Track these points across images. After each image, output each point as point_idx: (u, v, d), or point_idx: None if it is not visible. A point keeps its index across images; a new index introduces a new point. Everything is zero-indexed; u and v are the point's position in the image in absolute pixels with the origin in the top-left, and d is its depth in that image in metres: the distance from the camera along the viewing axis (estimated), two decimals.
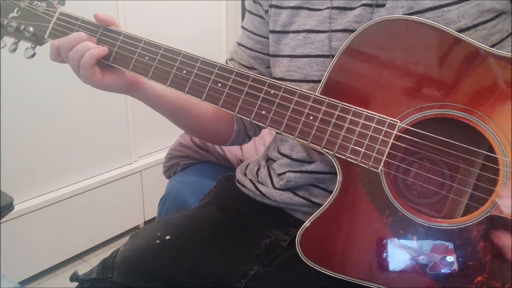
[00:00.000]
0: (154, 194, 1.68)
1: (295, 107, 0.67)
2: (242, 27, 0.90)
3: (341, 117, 0.65)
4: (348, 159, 0.64)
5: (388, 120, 0.63)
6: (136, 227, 2.06)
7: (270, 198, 0.85)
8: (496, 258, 0.59)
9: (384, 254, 0.63)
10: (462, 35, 0.61)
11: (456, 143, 0.61)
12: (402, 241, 0.62)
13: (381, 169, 0.63)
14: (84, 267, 1.82)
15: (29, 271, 1.71)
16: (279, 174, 0.85)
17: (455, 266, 0.60)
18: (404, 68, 0.64)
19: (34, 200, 1.67)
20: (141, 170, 1.99)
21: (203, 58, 0.72)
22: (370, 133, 0.63)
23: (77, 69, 0.75)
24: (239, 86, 0.70)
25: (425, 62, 0.63)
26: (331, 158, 0.66)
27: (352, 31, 0.66)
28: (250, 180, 0.90)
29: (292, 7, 0.79)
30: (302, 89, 0.67)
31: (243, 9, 1.35)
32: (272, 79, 0.68)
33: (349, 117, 0.64)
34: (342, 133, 0.64)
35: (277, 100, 0.68)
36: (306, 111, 0.66)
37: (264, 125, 0.68)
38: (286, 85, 0.68)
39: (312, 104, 0.66)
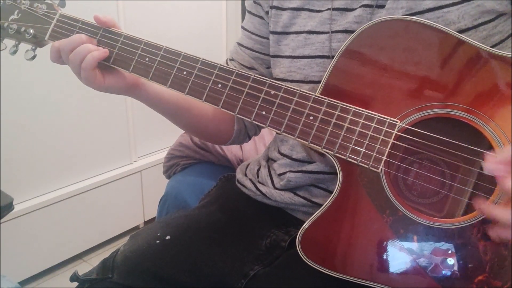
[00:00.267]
0: (154, 194, 1.68)
1: (295, 107, 0.67)
2: (242, 27, 0.90)
3: (341, 117, 0.65)
4: (348, 159, 0.64)
5: (388, 120, 0.63)
6: (136, 227, 2.06)
7: (271, 198, 0.86)
8: (497, 257, 0.59)
9: (385, 254, 0.63)
10: (462, 36, 0.61)
11: (457, 142, 0.61)
12: (403, 241, 0.62)
13: (381, 169, 0.63)
14: (84, 267, 1.82)
15: (29, 271, 1.71)
16: (280, 174, 0.85)
17: (456, 266, 0.60)
18: (404, 68, 0.64)
19: (34, 200, 1.67)
20: (141, 170, 1.99)
21: (203, 59, 0.72)
22: (370, 133, 0.63)
23: (78, 71, 0.75)
24: (239, 86, 0.70)
25: (425, 62, 0.63)
26: (331, 158, 0.66)
27: (352, 32, 0.66)
28: (251, 180, 0.91)
29: (292, 8, 0.79)
30: (302, 90, 0.67)
31: (243, 9, 1.35)
32: (272, 80, 0.69)
33: (349, 117, 0.64)
34: (342, 133, 0.64)
35: (277, 101, 0.68)
36: (306, 111, 0.66)
37: (264, 126, 0.69)
38: (286, 86, 0.68)
39: (312, 104, 0.66)
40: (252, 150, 1.30)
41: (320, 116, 0.66)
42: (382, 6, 0.71)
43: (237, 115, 0.70)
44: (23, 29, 0.80)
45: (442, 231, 0.61)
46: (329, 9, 0.76)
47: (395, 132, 0.62)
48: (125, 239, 1.09)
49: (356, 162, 0.64)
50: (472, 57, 0.61)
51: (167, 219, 0.89)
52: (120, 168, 1.93)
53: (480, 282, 0.59)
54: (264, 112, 0.68)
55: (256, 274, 0.77)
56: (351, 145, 0.64)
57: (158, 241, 0.81)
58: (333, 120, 0.65)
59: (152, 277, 0.77)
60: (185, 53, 0.73)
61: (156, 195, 1.33)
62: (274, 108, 0.68)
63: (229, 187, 0.97)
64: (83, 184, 1.80)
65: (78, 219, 1.81)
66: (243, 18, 0.91)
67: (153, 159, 2.04)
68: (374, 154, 0.63)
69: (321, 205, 0.66)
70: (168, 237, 0.81)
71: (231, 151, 1.29)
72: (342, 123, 0.65)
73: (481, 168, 0.61)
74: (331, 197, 0.65)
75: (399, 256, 0.63)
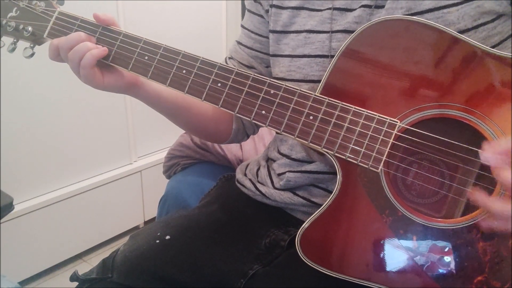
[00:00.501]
0: (154, 194, 1.68)
1: (295, 107, 0.67)
2: (242, 26, 0.90)
3: (341, 117, 0.65)
4: (348, 158, 0.64)
5: (388, 120, 0.63)
6: (136, 227, 2.06)
7: (270, 198, 0.85)
8: (496, 257, 0.59)
9: (384, 254, 0.63)
10: (462, 36, 0.61)
11: (456, 143, 0.61)
12: (402, 241, 0.62)
13: (381, 169, 0.63)
14: (84, 267, 1.82)
15: (29, 271, 1.71)
16: (279, 174, 0.85)
17: (454, 266, 0.60)
18: (403, 68, 0.64)
19: (34, 200, 1.67)
20: (141, 170, 1.99)
21: (202, 58, 0.72)
22: (370, 133, 0.63)
23: (77, 70, 0.75)
24: (239, 86, 0.70)
25: (425, 62, 0.63)
26: (331, 158, 0.66)
27: (352, 31, 0.66)
28: (250, 180, 0.90)
29: (292, 7, 0.79)
30: (302, 89, 0.67)
31: (243, 8, 1.35)
32: (272, 79, 0.68)
33: (349, 117, 0.64)
34: (342, 133, 0.64)
35: (277, 100, 0.68)
36: (306, 111, 0.66)
37: (264, 125, 0.68)
38: (286, 85, 0.68)
39: (312, 104, 0.66)
40: (251, 150, 1.30)
41: (320, 115, 0.66)
42: (382, 7, 0.71)
43: (237, 114, 0.70)
44: (21, 26, 0.80)
45: (441, 231, 0.61)
46: (329, 8, 0.76)
47: (395, 132, 0.62)
48: (125, 239, 1.09)
49: (355, 162, 0.64)
50: (472, 58, 0.61)
51: (167, 219, 0.89)
52: (120, 168, 1.93)
53: (479, 283, 0.59)
54: (264, 112, 0.68)
55: (256, 273, 0.77)
56: (351, 145, 0.64)
57: (158, 241, 0.81)
58: (333, 120, 0.65)
59: (152, 277, 0.77)
60: (184, 51, 0.73)
61: (156, 195, 1.33)
62: (274, 108, 0.68)
63: (229, 187, 0.97)
64: (83, 184, 1.80)
65: (78, 219, 1.80)
66: (243, 17, 0.91)
67: (153, 159, 2.03)
68: (374, 154, 0.63)
69: (321, 205, 0.66)
70: (168, 237, 0.81)
71: (231, 151, 1.29)
72: (342, 123, 0.65)
73: (481, 169, 0.61)
74: (330, 197, 0.65)
75: (399, 256, 0.63)
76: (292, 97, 0.67)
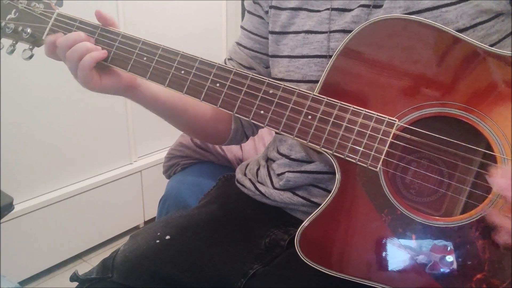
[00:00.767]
0: (154, 194, 1.68)
1: (294, 106, 0.67)
2: (242, 27, 0.90)
3: (339, 116, 0.65)
4: (346, 158, 0.64)
5: (387, 119, 0.63)
6: (136, 227, 2.06)
7: (270, 198, 0.86)
8: (496, 255, 0.59)
9: (383, 253, 0.63)
10: (461, 34, 0.61)
11: (455, 141, 0.61)
12: (401, 240, 0.62)
13: (379, 167, 0.63)
14: (84, 267, 1.82)
15: (29, 271, 1.72)
16: (279, 174, 0.85)
17: (454, 265, 0.60)
18: (402, 67, 0.64)
19: (34, 200, 1.67)
20: (141, 170, 1.99)
21: (201, 58, 0.72)
22: (368, 132, 0.63)
23: (74, 70, 0.75)
24: (237, 86, 0.70)
25: (423, 61, 0.63)
26: (330, 157, 0.66)
27: (350, 31, 0.66)
28: (250, 180, 0.91)
29: (291, 8, 0.79)
30: (300, 89, 0.67)
31: (243, 8, 1.35)
32: (270, 79, 0.68)
33: (348, 116, 0.64)
34: (341, 132, 0.64)
35: (276, 100, 0.68)
36: (305, 110, 0.66)
37: (262, 125, 0.69)
38: (284, 85, 0.68)
39: (311, 104, 0.66)
40: (251, 150, 1.30)
41: (318, 115, 0.66)
42: (380, 6, 0.71)
43: (236, 114, 0.70)
44: (20, 28, 0.80)
45: (440, 230, 0.61)
46: (327, 9, 0.76)
47: (393, 131, 0.62)
48: (125, 239, 1.09)
49: (354, 161, 0.64)
50: (470, 56, 0.61)
51: (167, 219, 0.89)
52: (120, 168, 1.93)
53: (478, 281, 0.59)
54: (262, 111, 0.68)
55: (256, 273, 0.77)
56: (350, 144, 0.64)
57: (158, 241, 0.81)
58: (332, 119, 0.65)
59: (152, 277, 0.77)
60: (183, 52, 0.73)
61: (156, 195, 1.33)
62: (272, 107, 0.68)
63: (229, 187, 0.97)
64: (83, 184, 1.80)
65: (78, 219, 1.81)
66: (243, 18, 0.91)
67: (153, 159, 2.04)
68: (373, 153, 0.63)
69: (320, 205, 0.66)
70: (168, 237, 0.81)
71: (231, 151, 1.29)
72: (341, 122, 0.65)
73: (480, 167, 0.61)
74: (329, 196, 0.65)
75: (398, 255, 0.63)
76: (291, 96, 0.67)
